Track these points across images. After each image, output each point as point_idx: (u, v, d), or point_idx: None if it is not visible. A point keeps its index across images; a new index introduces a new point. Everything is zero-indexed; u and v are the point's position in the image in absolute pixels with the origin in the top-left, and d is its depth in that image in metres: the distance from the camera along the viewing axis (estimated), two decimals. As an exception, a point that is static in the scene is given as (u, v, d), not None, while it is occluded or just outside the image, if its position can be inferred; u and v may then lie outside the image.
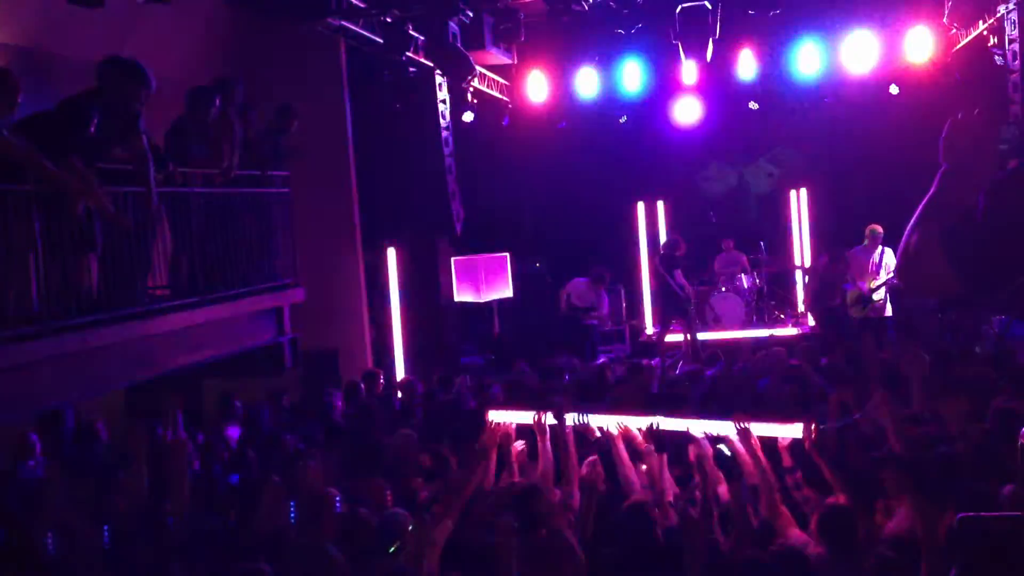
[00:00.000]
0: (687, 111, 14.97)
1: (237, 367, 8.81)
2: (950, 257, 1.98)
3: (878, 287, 12.12)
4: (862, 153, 14.99)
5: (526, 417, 5.83)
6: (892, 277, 11.86)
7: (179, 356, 7.58)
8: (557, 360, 10.37)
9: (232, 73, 8.68)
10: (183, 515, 5.22)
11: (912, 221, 2.16)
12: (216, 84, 8.32)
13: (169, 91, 7.76)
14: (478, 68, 12.28)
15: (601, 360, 12.25)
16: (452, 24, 10.82)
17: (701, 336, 13.14)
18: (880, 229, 12.15)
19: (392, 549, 4.97)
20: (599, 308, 14.15)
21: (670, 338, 13.43)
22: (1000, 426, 5.51)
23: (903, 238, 2.16)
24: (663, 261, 13.34)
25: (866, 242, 12.34)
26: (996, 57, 11.85)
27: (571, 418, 5.77)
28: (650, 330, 15.28)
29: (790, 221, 15.88)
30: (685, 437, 5.49)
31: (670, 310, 13.50)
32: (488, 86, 13.86)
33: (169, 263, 7.71)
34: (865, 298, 12.20)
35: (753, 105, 14.52)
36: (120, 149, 6.80)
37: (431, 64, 11.75)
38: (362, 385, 9.47)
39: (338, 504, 5.29)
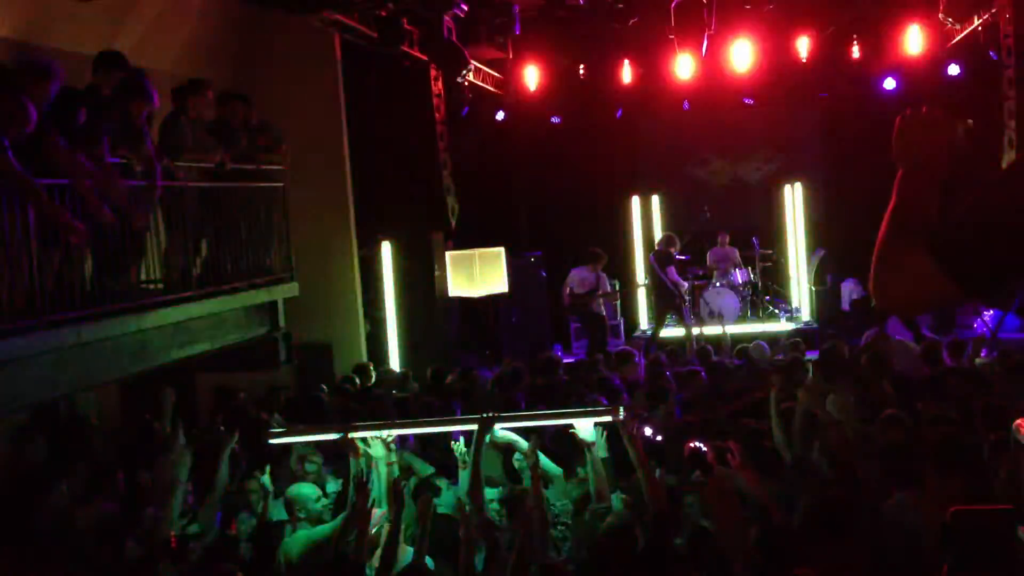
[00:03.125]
0: (682, 103, 14.98)
1: (231, 361, 8.79)
2: (944, 259, 1.81)
3: None
4: (857, 148, 14.98)
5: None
6: None
7: (173, 350, 7.57)
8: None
9: (226, 68, 8.64)
10: (167, 522, 5.16)
11: (880, 236, 1.95)
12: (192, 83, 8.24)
13: (162, 85, 7.73)
14: (473, 62, 12.25)
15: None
16: (447, 18, 10.78)
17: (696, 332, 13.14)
18: None
19: None
20: (603, 288, 14.04)
21: (666, 333, 13.45)
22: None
23: (874, 256, 1.93)
24: (657, 257, 13.34)
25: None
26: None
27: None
28: (645, 325, 15.28)
29: (785, 216, 15.85)
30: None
31: (663, 306, 13.50)
32: (483, 80, 13.82)
33: (163, 257, 7.69)
34: None
35: (748, 100, 14.53)
36: (127, 151, 6.83)
37: (426, 58, 11.71)
38: (356, 379, 9.46)
39: None
